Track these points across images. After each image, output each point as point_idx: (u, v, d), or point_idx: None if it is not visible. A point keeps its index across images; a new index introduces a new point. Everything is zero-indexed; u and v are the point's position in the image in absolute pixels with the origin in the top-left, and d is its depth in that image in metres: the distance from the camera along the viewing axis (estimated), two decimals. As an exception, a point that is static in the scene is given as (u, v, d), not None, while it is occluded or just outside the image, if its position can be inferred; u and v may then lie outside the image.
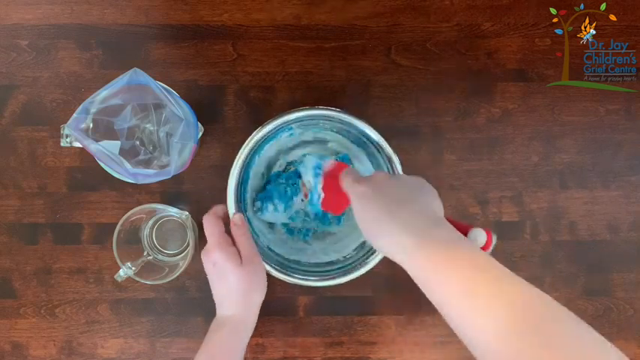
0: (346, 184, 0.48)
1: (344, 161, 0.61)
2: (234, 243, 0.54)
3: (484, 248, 0.43)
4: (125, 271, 0.56)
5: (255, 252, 0.54)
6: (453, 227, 0.41)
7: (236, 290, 0.53)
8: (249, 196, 0.62)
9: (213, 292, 0.55)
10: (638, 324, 0.65)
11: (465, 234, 0.43)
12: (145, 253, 0.62)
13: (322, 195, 0.59)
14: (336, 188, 0.54)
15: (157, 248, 0.64)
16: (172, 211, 0.58)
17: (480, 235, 0.43)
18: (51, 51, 0.64)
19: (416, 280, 0.40)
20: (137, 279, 0.57)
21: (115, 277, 0.57)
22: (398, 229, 0.41)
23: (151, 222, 0.63)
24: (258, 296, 0.55)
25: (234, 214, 0.55)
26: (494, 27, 0.65)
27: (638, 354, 0.66)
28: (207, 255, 0.53)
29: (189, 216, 0.59)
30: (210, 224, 0.54)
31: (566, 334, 0.33)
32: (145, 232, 0.63)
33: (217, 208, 0.56)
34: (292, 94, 0.64)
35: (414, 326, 0.64)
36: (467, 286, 0.37)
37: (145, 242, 0.63)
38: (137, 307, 0.64)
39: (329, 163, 0.58)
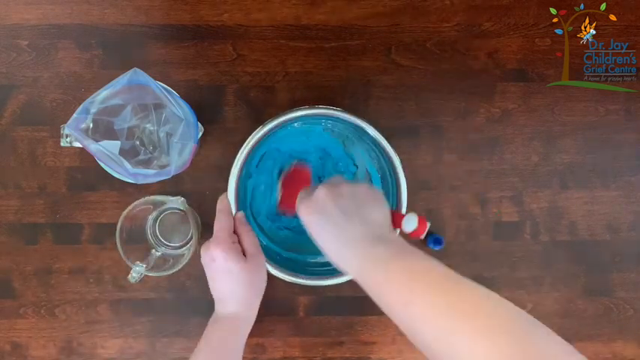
0: (297, 207, 0.48)
1: (305, 165, 0.60)
2: (238, 240, 0.53)
3: (417, 233, 0.45)
4: (138, 271, 0.56)
5: (259, 249, 0.54)
6: (398, 238, 0.43)
7: (240, 287, 0.52)
8: (249, 194, 0.62)
9: (213, 287, 0.54)
10: (638, 324, 0.65)
11: (400, 221, 0.45)
12: (153, 250, 0.62)
13: (279, 195, 0.58)
14: (293, 191, 0.54)
15: (162, 242, 0.64)
16: (171, 200, 0.58)
17: (411, 221, 0.45)
18: (51, 51, 0.64)
19: (370, 295, 0.42)
20: (150, 274, 0.57)
21: (129, 278, 0.55)
22: (343, 251, 0.43)
23: (152, 217, 0.63)
24: (260, 293, 0.55)
25: (236, 212, 0.55)
26: (494, 27, 0.65)
27: (638, 354, 0.66)
28: (207, 250, 0.51)
29: (185, 201, 0.58)
30: (220, 219, 0.52)
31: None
32: (149, 228, 0.63)
33: (227, 201, 0.55)
34: (292, 94, 0.64)
35: (414, 326, 0.64)
36: (409, 298, 0.38)
37: (151, 238, 0.63)
38: (137, 307, 0.64)
39: (290, 166, 0.58)
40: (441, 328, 0.35)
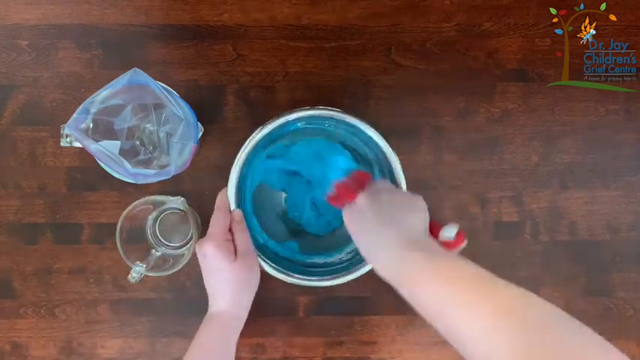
0: (343, 213, 0.49)
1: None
2: (233, 237, 0.55)
3: (454, 244, 0.45)
4: (138, 271, 0.56)
5: (251, 248, 0.55)
6: (434, 244, 0.44)
7: (228, 285, 0.54)
8: (249, 193, 0.62)
9: (206, 284, 0.56)
10: (638, 324, 0.65)
11: (439, 229, 0.46)
12: (153, 250, 0.62)
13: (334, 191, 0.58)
14: (349, 190, 0.54)
15: (162, 242, 0.64)
16: (171, 200, 0.58)
17: (449, 231, 0.45)
18: (51, 51, 0.64)
19: (404, 297, 0.42)
20: (150, 274, 0.57)
21: (129, 278, 0.56)
22: (379, 255, 0.44)
23: (152, 217, 0.63)
24: (250, 292, 0.56)
25: (233, 209, 0.56)
26: (494, 27, 0.65)
27: (638, 354, 0.66)
28: (200, 246, 0.54)
29: (185, 201, 0.59)
30: (217, 217, 0.55)
31: (556, 338, 0.33)
32: (149, 228, 0.63)
33: (225, 198, 0.56)
34: (292, 94, 0.64)
35: (414, 326, 0.64)
36: (446, 299, 0.38)
37: (151, 238, 0.63)
38: (137, 307, 0.64)
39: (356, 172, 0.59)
40: (477, 329, 0.35)
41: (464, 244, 0.45)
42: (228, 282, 0.54)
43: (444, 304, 0.38)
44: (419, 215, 0.46)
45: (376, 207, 0.46)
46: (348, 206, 0.49)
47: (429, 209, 0.64)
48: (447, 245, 0.45)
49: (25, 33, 0.64)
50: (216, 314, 0.55)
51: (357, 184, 0.54)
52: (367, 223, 0.45)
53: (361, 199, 0.47)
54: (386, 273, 0.43)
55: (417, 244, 0.43)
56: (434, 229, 0.47)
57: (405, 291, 0.41)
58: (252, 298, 0.56)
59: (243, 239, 0.55)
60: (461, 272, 0.39)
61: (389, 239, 0.43)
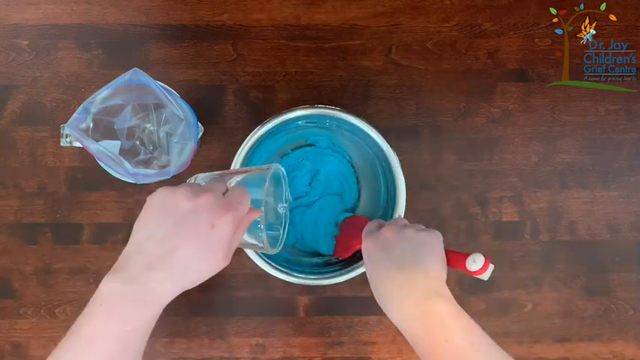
0: (364, 239, 0.49)
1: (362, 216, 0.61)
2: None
3: (480, 271, 0.44)
4: None
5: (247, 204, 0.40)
6: (449, 297, 0.43)
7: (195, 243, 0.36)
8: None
9: (141, 229, 0.38)
10: (638, 324, 0.65)
11: (464, 260, 0.45)
12: None
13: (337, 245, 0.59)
14: (352, 236, 0.55)
15: None
16: None
17: (477, 259, 0.44)
18: (51, 51, 0.64)
19: (411, 343, 0.43)
20: None
21: None
22: (404, 302, 0.43)
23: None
24: (215, 266, 0.38)
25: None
26: (494, 27, 0.65)
27: (638, 354, 0.66)
28: (172, 188, 0.38)
29: None
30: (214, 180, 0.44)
31: None
32: None
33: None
34: (292, 94, 0.64)
35: (414, 326, 0.64)
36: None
37: None
38: (137, 307, 0.64)
39: (351, 217, 0.60)
40: None
41: (490, 268, 0.44)
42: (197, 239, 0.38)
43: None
44: (438, 257, 0.45)
45: (402, 245, 0.45)
46: (371, 237, 0.48)
47: (429, 209, 0.64)
48: (474, 273, 0.44)
49: (25, 33, 0.64)
50: (135, 291, 0.38)
51: (357, 229, 0.53)
52: (392, 262, 0.44)
53: (388, 232, 0.46)
54: (402, 322, 0.43)
55: (437, 294, 0.43)
56: (456, 260, 0.46)
57: (424, 345, 0.42)
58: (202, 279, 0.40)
59: (237, 192, 0.41)
60: (482, 338, 0.41)
61: (414, 288, 0.43)
